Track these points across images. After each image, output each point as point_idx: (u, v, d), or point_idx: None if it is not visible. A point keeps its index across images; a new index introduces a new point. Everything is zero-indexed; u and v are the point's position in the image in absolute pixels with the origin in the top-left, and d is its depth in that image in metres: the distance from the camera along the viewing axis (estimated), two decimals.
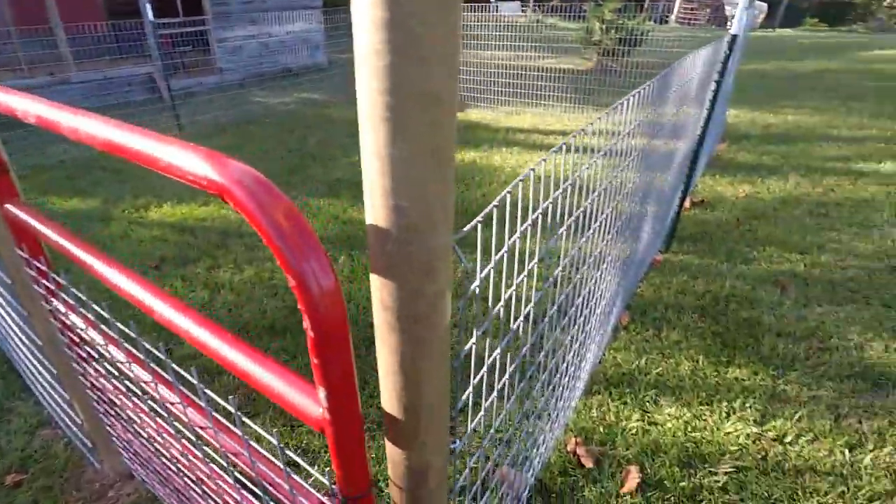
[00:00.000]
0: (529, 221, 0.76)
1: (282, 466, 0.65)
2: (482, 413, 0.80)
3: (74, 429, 1.57)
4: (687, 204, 3.44)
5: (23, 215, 1.04)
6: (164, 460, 1.14)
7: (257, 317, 2.36)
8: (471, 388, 0.73)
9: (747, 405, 1.80)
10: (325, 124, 5.85)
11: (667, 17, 17.84)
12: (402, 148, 0.40)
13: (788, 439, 1.67)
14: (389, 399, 0.56)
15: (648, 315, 2.29)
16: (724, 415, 1.76)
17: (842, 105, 6.34)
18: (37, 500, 1.54)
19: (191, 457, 0.97)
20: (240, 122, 6.02)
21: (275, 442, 0.59)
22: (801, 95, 6.93)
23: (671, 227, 2.87)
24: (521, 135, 5.25)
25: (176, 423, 0.91)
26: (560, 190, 0.91)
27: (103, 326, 0.97)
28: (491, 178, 4.00)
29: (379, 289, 0.49)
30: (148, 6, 5.38)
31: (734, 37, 2.38)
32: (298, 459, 0.63)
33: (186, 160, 0.47)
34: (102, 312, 0.78)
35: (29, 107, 0.70)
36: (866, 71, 8.95)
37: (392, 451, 0.61)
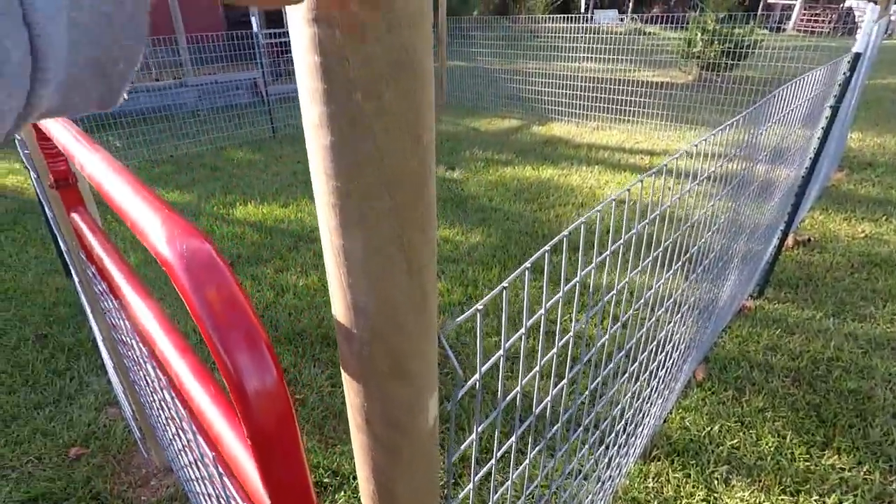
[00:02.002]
0: (608, 252, 0.65)
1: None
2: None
3: (129, 415, 1.66)
4: (789, 242, 3.05)
5: (82, 224, 1.09)
6: (187, 465, 1.15)
7: (314, 324, 2.39)
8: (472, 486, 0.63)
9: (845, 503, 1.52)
10: None
11: (782, 24, 16.31)
12: (356, 238, 0.32)
13: None
14: None
15: (729, 372, 2.02)
16: None
17: None
18: (90, 477, 1.64)
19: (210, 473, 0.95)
20: None
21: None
22: None
23: (767, 269, 2.55)
24: (604, 152, 4.98)
25: (198, 440, 0.89)
26: (647, 219, 0.79)
27: (135, 341, 0.99)
28: (566, 199, 3.82)
29: (347, 386, 0.42)
30: (254, 18, 5.76)
31: (857, 55, 2.06)
32: None
33: (146, 221, 0.43)
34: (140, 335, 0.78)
35: (54, 130, 0.70)
36: None
37: None
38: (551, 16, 6.32)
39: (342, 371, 0.42)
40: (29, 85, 0.15)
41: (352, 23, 0.26)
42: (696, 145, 0.87)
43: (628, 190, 0.66)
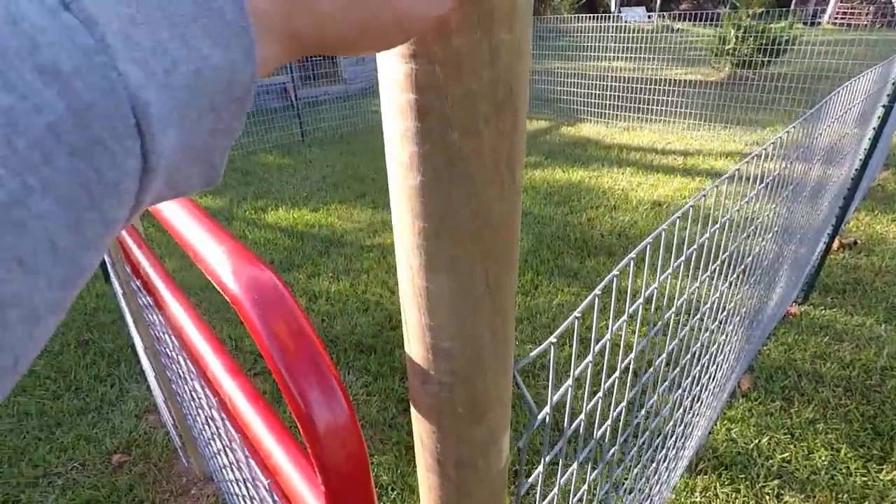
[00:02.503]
0: (679, 262, 0.62)
1: None
2: None
3: (170, 424, 1.68)
4: (835, 245, 2.93)
5: (127, 238, 1.10)
6: (232, 481, 1.15)
7: (347, 331, 2.40)
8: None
9: None
10: None
11: (817, 18, 15.72)
12: (443, 280, 0.30)
13: None
14: None
15: (776, 382, 1.94)
16: None
17: None
18: (133, 485, 1.67)
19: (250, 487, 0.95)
20: (358, 132, 6.31)
21: None
22: None
23: (813, 274, 2.45)
24: (635, 153, 4.88)
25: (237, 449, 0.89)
26: (716, 226, 0.76)
27: (181, 357, 0.99)
28: (598, 202, 3.75)
29: (417, 426, 0.40)
30: None
31: None
32: None
33: (211, 254, 0.42)
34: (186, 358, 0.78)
35: None
36: None
37: None
38: (578, 15, 6.23)
39: (413, 410, 0.40)
40: (139, 184, 0.15)
41: (453, 58, 0.24)
42: (767, 148, 0.82)
43: (704, 195, 0.63)
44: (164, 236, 3.47)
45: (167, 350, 1.15)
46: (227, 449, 0.87)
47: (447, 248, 0.29)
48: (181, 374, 1.05)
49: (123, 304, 1.58)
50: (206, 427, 1.06)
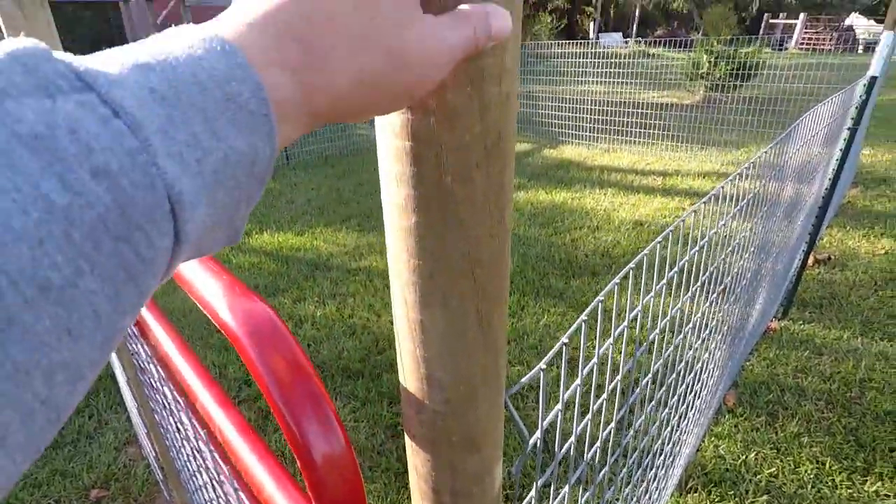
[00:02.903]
0: (662, 282, 0.63)
1: None
2: None
3: (151, 456, 1.64)
4: (810, 261, 3.01)
5: None
6: None
7: (334, 356, 2.38)
8: None
9: None
10: None
11: (784, 44, 16.40)
12: (436, 315, 0.32)
13: None
14: None
15: (760, 397, 1.98)
16: None
17: None
18: None
19: None
20: (344, 154, 6.34)
21: None
22: None
23: (791, 289, 2.51)
24: (616, 174, 4.99)
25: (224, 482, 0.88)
26: (695, 249, 0.78)
27: (168, 390, 0.98)
28: (581, 222, 3.81)
29: (412, 455, 0.41)
30: None
31: (873, 78, 2.06)
32: None
33: (206, 288, 0.42)
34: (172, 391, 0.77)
35: None
36: None
37: None
38: (557, 41, 6.41)
39: (408, 439, 0.41)
40: (171, 256, 0.17)
41: (447, 111, 0.25)
42: (745, 169, 0.86)
43: (682, 221, 0.65)
44: None
45: (151, 380, 1.13)
46: (214, 482, 0.86)
47: (440, 284, 0.30)
48: (166, 404, 1.03)
49: None
50: (192, 459, 1.04)
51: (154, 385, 1.09)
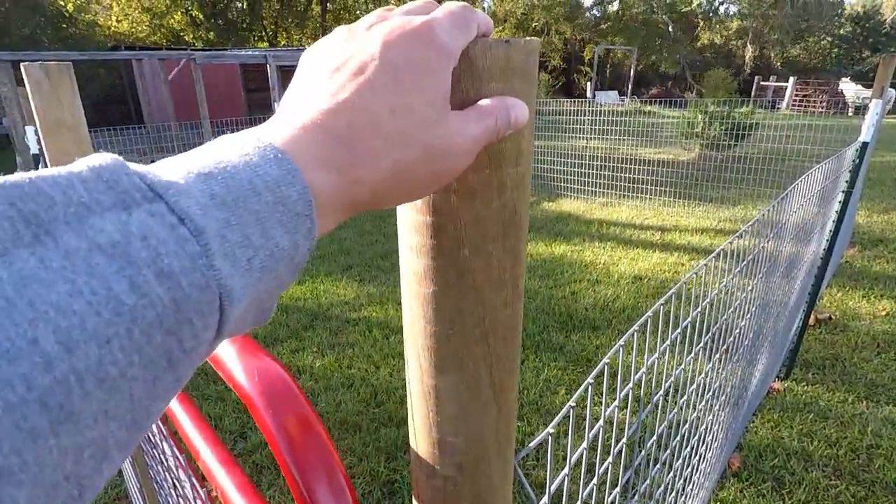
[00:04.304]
0: (666, 343, 0.64)
1: None
2: None
3: None
4: (811, 320, 3.01)
5: None
6: None
7: (331, 408, 2.33)
8: None
9: None
10: None
11: (776, 105, 17.02)
12: (451, 380, 0.32)
13: None
14: None
15: (765, 461, 1.92)
16: None
17: None
18: None
19: None
20: None
21: None
22: None
23: (793, 349, 2.49)
24: (615, 228, 5.06)
25: None
26: (697, 310, 0.79)
27: (167, 445, 0.96)
28: (581, 276, 3.83)
29: None
30: (276, 103, 6.18)
31: (865, 144, 2.13)
32: None
33: (222, 350, 0.43)
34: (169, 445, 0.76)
35: None
36: None
37: None
38: (556, 99, 6.67)
39: (416, 503, 0.40)
40: (209, 347, 0.19)
41: (468, 189, 0.27)
42: (747, 229, 0.88)
43: (684, 283, 0.67)
44: None
45: (149, 434, 1.11)
46: None
47: (455, 350, 0.31)
48: (163, 459, 1.01)
49: None
50: None
51: (151, 440, 1.07)
